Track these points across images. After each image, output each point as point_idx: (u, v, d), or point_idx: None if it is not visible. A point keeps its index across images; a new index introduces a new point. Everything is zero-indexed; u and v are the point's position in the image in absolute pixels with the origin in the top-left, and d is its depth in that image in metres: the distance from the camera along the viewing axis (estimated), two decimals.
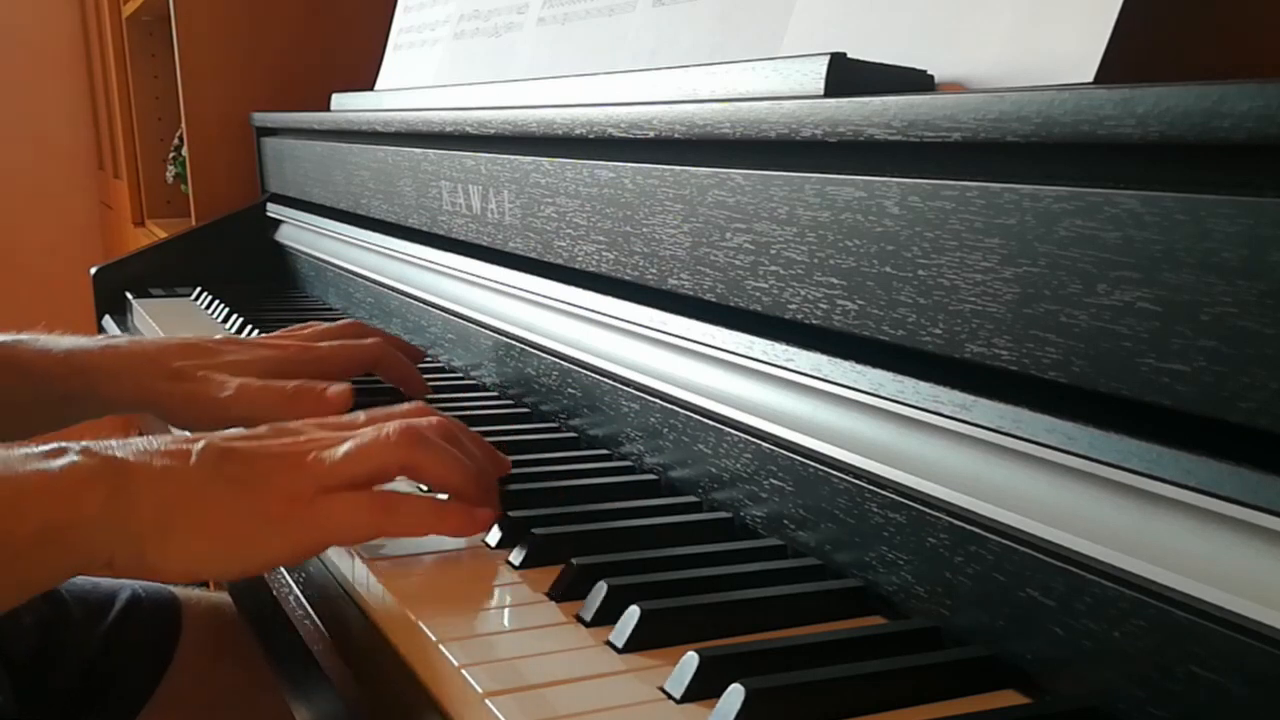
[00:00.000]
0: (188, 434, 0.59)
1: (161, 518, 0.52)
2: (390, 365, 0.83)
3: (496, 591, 0.52)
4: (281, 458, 0.55)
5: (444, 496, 0.58)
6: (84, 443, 0.53)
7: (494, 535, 0.57)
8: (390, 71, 1.32)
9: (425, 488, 0.61)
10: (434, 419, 0.59)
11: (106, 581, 0.95)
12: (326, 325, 0.85)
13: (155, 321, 1.20)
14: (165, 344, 0.81)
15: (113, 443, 0.54)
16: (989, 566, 0.43)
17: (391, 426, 0.56)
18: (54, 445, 0.52)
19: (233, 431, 0.58)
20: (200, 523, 0.52)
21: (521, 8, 1.00)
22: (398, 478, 0.57)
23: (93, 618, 0.91)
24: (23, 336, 0.82)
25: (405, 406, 0.61)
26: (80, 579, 0.94)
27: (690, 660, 0.42)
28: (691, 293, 0.61)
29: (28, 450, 0.52)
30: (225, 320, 1.16)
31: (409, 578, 0.53)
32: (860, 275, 0.49)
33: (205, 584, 1.41)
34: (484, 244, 0.86)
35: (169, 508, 0.52)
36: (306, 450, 0.55)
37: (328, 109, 1.29)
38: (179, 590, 0.98)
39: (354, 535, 0.55)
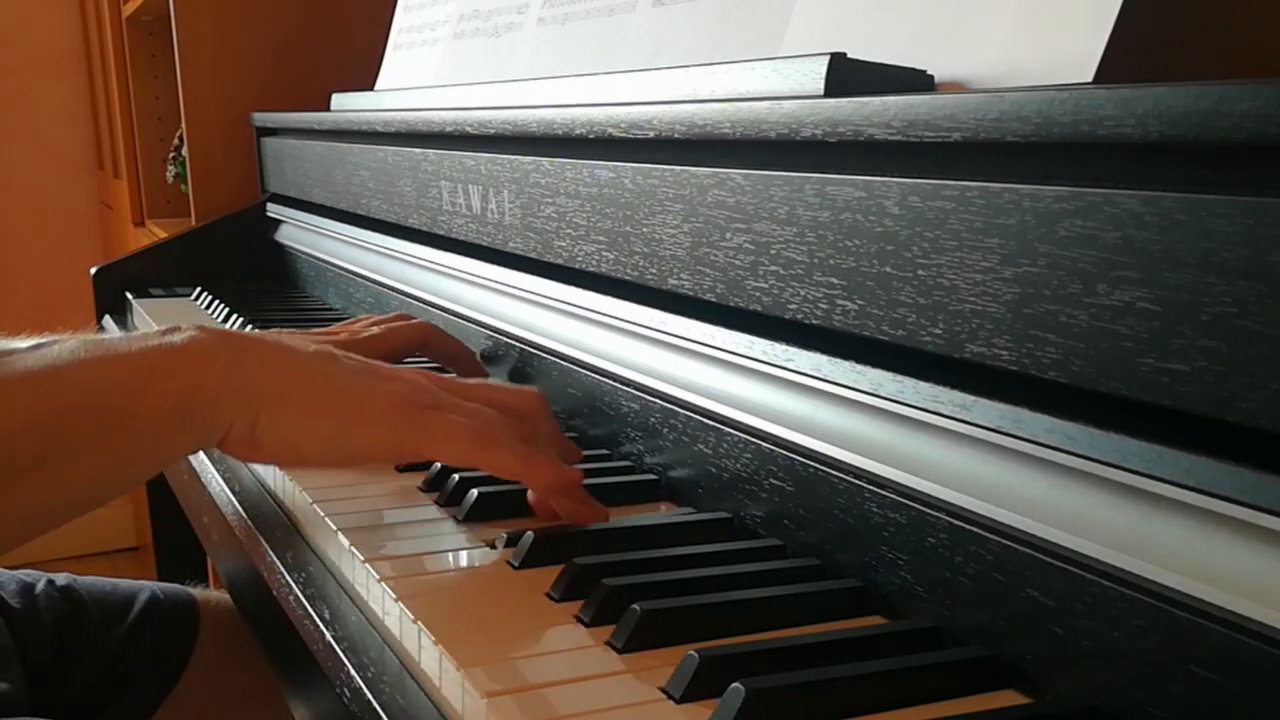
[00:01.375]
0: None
1: (277, 389, 0.54)
2: (439, 343, 0.85)
3: (496, 592, 0.52)
4: (395, 374, 0.58)
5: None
6: (199, 323, 0.56)
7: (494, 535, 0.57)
8: (390, 71, 1.32)
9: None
10: (551, 427, 0.62)
11: (125, 583, 0.96)
12: (376, 317, 0.86)
13: (155, 321, 1.20)
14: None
15: (226, 327, 0.56)
16: (989, 566, 0.43)
17: (507, 418, 0.58)
18: (170, 326, 0.55)
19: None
20: (313, 397, 0.55)
21: (521, 8, 1.00)
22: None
23: (111, 619, 0.91)
24: (64, 337, 0.83)
25: (523, 391, 0.63)
26: (100, 580, 0.94)
27: (690, 660, 0.42)
28: (691, 293, 0.61)
29: (145, 331, 0.55)
30: (225, 320, 1.16)
31: (409, 578, 0.53)
32: (860, 275, 0.49)
33: (204, 585, 1.41)
34: (484, 244, 0.86)
35: (285, 381, 0.55)
36: (421, 380, 0.58)
37: (328, 109, 1.29)
38: (197, 592, 0.98)
39: (450, 453, 0.57)
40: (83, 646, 0.89)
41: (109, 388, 0.53)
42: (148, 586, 0.95)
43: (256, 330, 0.59)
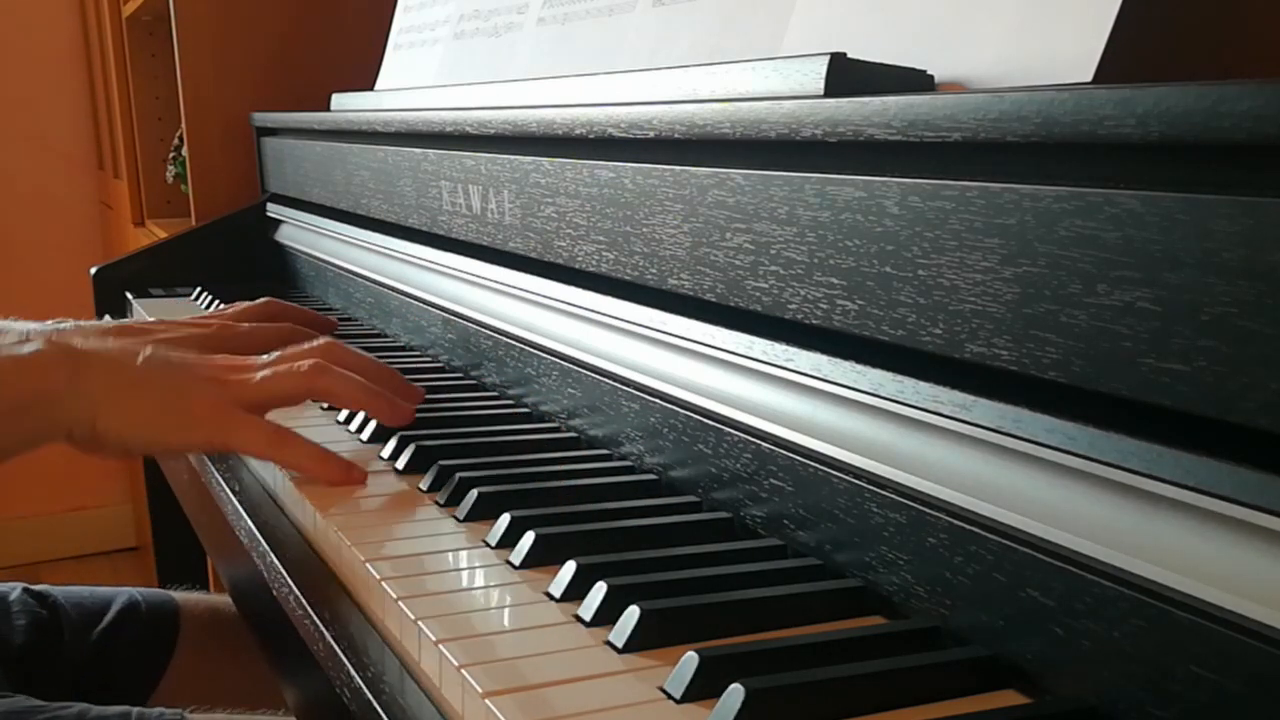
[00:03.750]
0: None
1: (111, 397, 0.65)
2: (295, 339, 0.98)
3: (496, 591, 0.52)
4: (211, 370, 0.68)
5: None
6: (47, 330, 0.67)
7: (495, 535, 0.57)
8: (390, 71, 1.32)
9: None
10: (339, 352, 0.72)
11: (103, 589, 0.96)
12: (247, 305, 0.93)
13: None
14: (106, 326, 0.93)
15: (72, 335, 0.68)
16: (989, 566, 0.43)
17: (304, 362, 0.69)
18: (24, 332, 0.66)
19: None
20: (140, 406, 0.66)
21: (521, 8, 1.00)
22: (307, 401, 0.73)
23: (88, 620, 0.92)
24: None
25: (317, 344, 0.73)
26: (78, 588, 0.95)
27: (690, 660, 0.42)
28: (691, 293, 0.61)
29: (3, 331, 0.65)
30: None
31: (409, 578, 0.53)
32: (860, 275, 0.49)
33: (204, 585, 1.42)
34: (484, 244, 0.86)
35: (118, 391, 0.65)
36: (231, 371, 0.69)
37: (328, 109, 1.29)
38: (178, 594, 0.99)
39: (251, 451, 0.68)
40: (60, 647, 0.90)
41: None
42: (126, 591, 0.97)
43: (96, 331, 0.70)
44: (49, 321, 0.71)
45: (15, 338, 0.65)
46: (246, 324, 0.89)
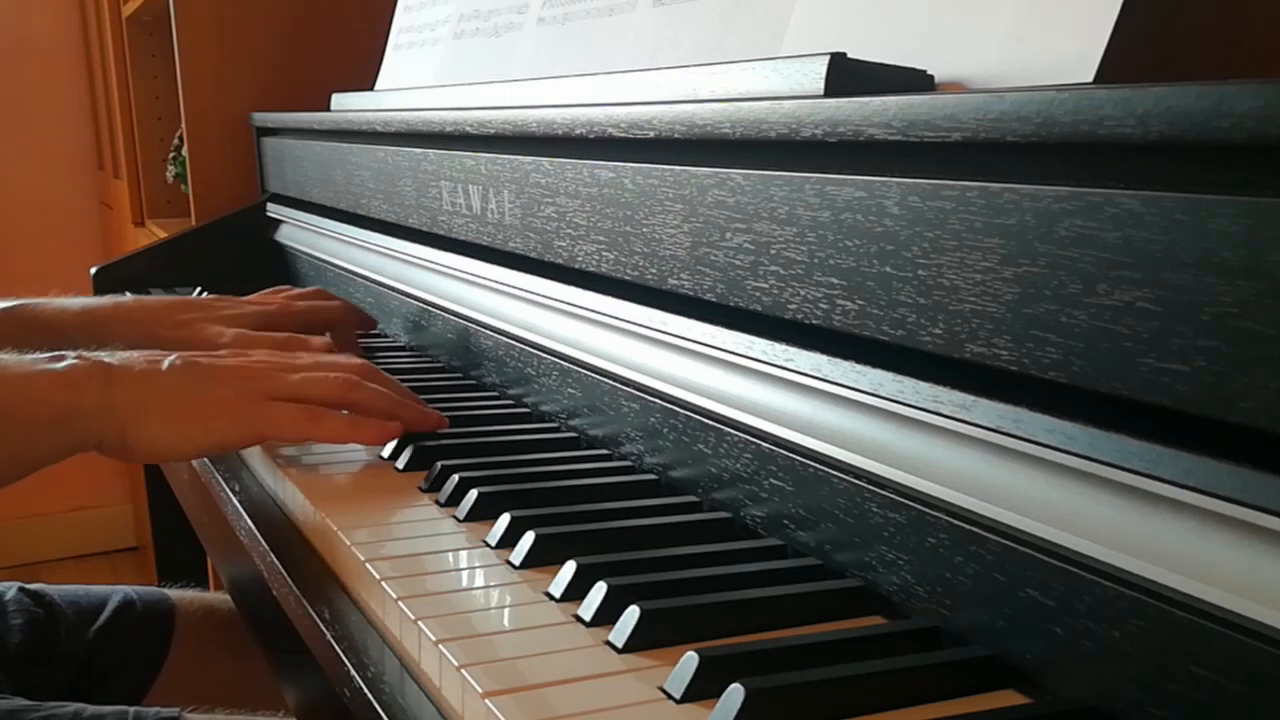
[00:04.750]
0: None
1: (139, 407, 0.66)
2: (342, 331, 0.98)
3: (496, 591, 0.52)
4: (238, 370, 0.69)
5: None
6: (78, 351, 0.68)
7: (494, 535, 0.57)
8: (390, 71, 1.32)
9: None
10: (370, 372, 0.73)
11: (99, 587, 0.97)
12: (299, 290, 0.97)
13: None
14: (169, 300, 0.97)
15: (100, 352, 0.68)
16: (989, 566, 0.43)
17: (335, 374, 0.70)
18: (55, 353, 0.67)
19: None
20: (168, 410, 0.67)
21: (521, 8, 1.00)
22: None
23: (84, 619, 0.92)
24: (37, 300, 0.95)
25: (353, 362, 0.74)
26: (73, 586, 0.96)
27: (690, 660, 0.42)
28: (691, 293, 0.61)
29: (35, 355, 0.67)
30: None
31: (408, 578, 0.53)
32: (860, 275, 0.49)
33: (203, 585, 1.42)
34: (484, 244, 0.86)
35: (145, 399, 0.66)
36: (265, 367, 0.70)
37: (328, 109, 1.29)
38: (173, 592, 0.99)
39: (289, 435, 0.69)
40: (56, 646, 0.90)
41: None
42: (121, 589, 0.97)
43: (125, 354, 0.70)
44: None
45: (48, 354, 0.67)
46: (304, 303, 0.95)
